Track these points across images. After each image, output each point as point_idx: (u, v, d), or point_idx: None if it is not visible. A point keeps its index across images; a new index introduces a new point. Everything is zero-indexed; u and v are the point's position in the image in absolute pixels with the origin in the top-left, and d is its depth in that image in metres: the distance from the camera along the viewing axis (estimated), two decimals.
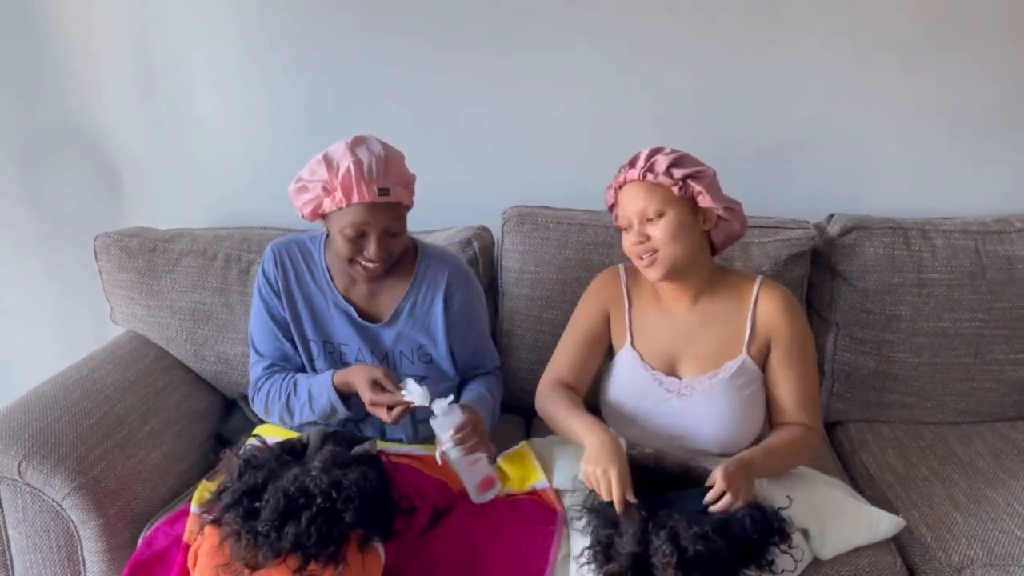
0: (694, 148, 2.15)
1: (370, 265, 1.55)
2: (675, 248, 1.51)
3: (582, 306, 1.71)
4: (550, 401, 1.62)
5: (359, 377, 1.53)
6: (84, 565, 1.64)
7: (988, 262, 1.97)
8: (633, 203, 1.53)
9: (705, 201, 1.52)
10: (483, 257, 2.02)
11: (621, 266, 1.72)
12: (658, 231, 1.51)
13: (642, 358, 1.63)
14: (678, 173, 1.50)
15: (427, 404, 1.46)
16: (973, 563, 1.55)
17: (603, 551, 1.33)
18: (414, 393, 1.46)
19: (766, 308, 1.58)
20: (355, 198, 1.47)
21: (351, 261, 1.56)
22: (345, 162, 1.47)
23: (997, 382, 2.00)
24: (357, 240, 1.53)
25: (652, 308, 1.66)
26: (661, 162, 1.50)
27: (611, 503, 1.36)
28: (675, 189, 1.50)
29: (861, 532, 1.54)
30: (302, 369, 1.71)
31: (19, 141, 2.27)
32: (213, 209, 2.29)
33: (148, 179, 2.30)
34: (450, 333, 1.69)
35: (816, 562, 1.51)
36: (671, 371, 1.62)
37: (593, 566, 1.33)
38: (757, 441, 1.60)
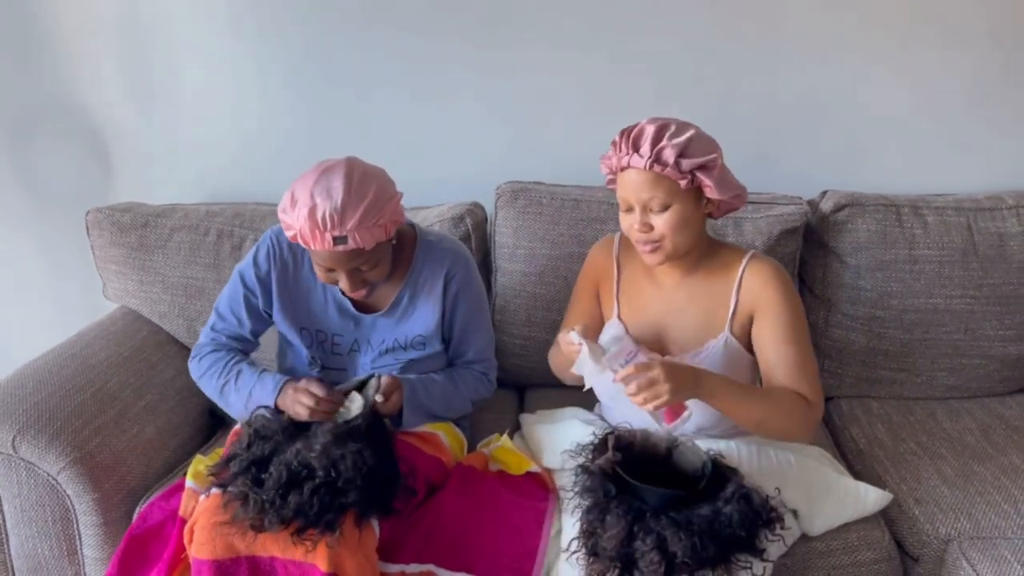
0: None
1: (348, 297, 1.54)
2: (679, 239, 1.46)
3: (580, 280, 1.71)
4: (554, 349, 1.71)
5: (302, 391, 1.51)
6: (80, 539, 1.66)
7: (980, 239, 1.98)
8: (636, 192, 1.45)
9: (713, 194, 1.45)
10: (476, 233, 2.01)
11: (618, 234, 1.68)
12: (662, 222, 1.45)
13: (627, 330, 1.61)
14: (687, 165, 1.40)
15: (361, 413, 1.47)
16: (960, 536, 1.58)
17: (589, 543, 1.32)
18: (355, 404, 1.49)
19: (751, 283, 1.52)
20: (312, 246, 1.43)
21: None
22: (303, 208, 1.40)
23: (986, 358, 2.02)
24: (329, 274, 1.52)
25: (642, 280, 1.62)
26: (669, 153, 1.39)
27: (605, 473, 1.35)
28: (682, 183, 1.42)
29: (848, 507, 1.55)
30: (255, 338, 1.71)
31: (7, 117, 2.25)
32: (203, 184, 2.28)
33: (138, 154, 2.28)
34: (444, 319, 1.67)
35: (806, 538, 1.53)
36: (658, 347, 1.59)
37: (579, 554, 1.33)
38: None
